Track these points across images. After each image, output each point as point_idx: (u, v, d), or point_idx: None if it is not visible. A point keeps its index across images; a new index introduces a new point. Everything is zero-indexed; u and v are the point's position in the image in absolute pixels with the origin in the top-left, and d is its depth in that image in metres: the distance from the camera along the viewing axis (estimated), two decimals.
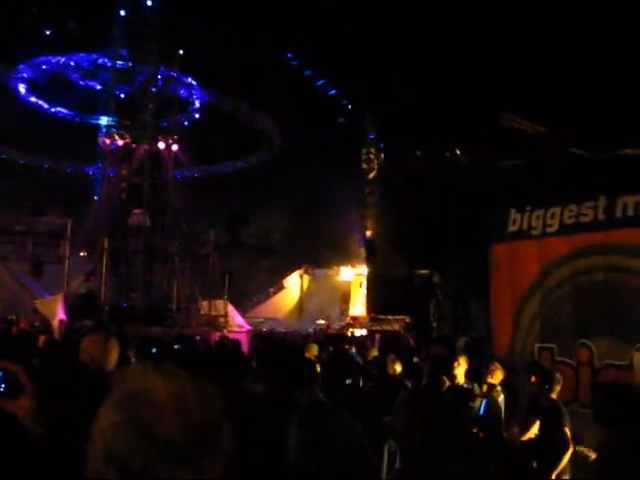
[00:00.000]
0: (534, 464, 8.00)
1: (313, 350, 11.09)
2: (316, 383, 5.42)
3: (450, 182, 25.49)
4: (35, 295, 28.94)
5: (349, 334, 28.46)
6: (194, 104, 37.10)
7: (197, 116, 37.12)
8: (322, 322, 35.56)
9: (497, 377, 9.05)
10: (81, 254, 31.51)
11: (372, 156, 32.75)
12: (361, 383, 10.39)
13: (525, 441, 8.22)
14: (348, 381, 9.87)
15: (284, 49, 38.59)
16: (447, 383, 8.47)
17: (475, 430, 6.86)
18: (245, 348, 16.04)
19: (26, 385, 2.20)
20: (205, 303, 28.00)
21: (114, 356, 5.02)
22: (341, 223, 36.67)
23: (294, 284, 41.75)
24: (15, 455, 2.30)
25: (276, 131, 39.25)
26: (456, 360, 9.35)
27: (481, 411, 8.44)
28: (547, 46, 26.64)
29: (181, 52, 33.56)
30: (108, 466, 1.43)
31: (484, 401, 8.60)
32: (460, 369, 9.20)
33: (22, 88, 36.77)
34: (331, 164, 34.52)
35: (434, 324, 23.45)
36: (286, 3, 35.27)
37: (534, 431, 8.14)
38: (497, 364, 9.26)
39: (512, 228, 11.12)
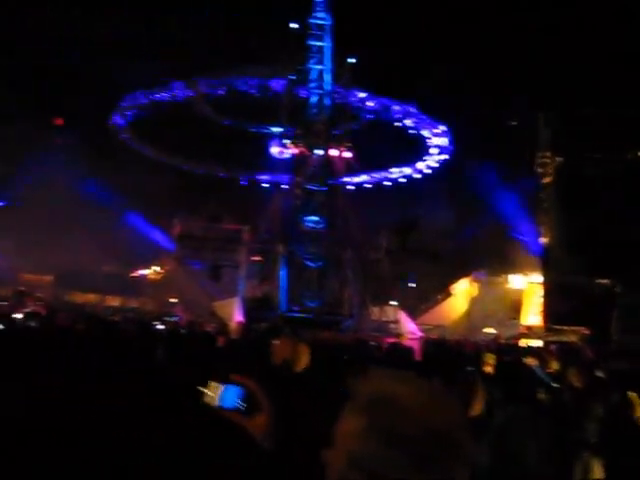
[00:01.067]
0: None
1: (490, 360, 10.73)
2: (512, 397, 5.25)
3: (633, 186, 24.14)
4: (212, 298, 30.41)
5: (523, 344, 27.49)
6: (364, 111, 37.38)
7: (368, 123, 37.37)
8: (490, 331, 34.60)
9: None
10: (255, 259, 32.61)
11: (547, 160, 31.60)
12: (544, 397, 9.95)
13: None
14: (530, 395, 9.48)
15: (451, 53, 38.11)
16: (635, 399, 7.89)
17: None
18: (418, 355, 15.85)
19: (263, 403, 2.26)
20: (376, 309, 28.08)
21: (305, 358, 5.24)
22: (510, 229, 35.63)
23: (461, 291, 41.03)
24: (253, 474, 2.38)
25: (445, 136, 38.78)
26: None
27: None
28: None
29: (352, 60, 34.00)
30: (351, 470, 1.43)
31: None
32: None
33: (198, 101, 38.63)
34: (501, 169, 33.66)
35: (615, 337, 22.19)
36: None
37: None
38: None
39: None
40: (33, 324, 8.98)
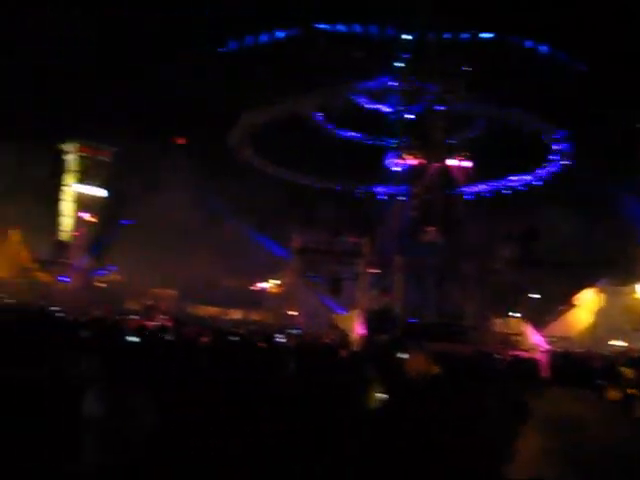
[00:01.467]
0: None
1: (628, 375, 10.20)
2: None
3: None
4: (332, 311, 30.76)
5: None
6: (481, 119, 36.81)
7: (485, 131, 36.78)
8: (617, 343, 33.11)
9: None
10: (373, 271, 32.67)
11: None
12: None
13: None
14: None
15: (570, 55, 36.85)
16: None
17: None
18: (545, 369, 15.33)
19: None
20: (498, 320, 27.50)
21: (435, 371, 5.92)
22: (637, 236, 34.15)
23: (585, 302, 39.58)
24: None
25: (566, 141, 37.63)
26: None
27: None
28: None
29: (466, 69, 33.61)
30: None
31: None
32: None
33: (317, 115, 39.18)
34: (626, 174, 32.38)
35: None
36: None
37: None
38: None
39: None
40: (168, 337, 9.35)
